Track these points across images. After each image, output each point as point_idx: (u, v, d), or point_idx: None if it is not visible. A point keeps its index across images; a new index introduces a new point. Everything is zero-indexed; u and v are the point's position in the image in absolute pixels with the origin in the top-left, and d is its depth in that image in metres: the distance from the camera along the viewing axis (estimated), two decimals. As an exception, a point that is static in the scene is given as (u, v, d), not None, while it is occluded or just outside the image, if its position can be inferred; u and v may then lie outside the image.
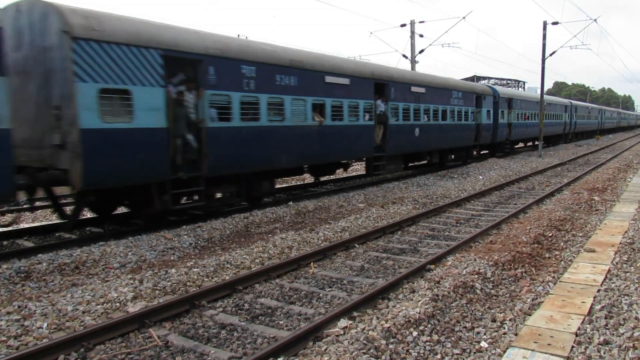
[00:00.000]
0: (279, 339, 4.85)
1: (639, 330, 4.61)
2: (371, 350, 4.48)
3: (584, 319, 4.96)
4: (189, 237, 9.23)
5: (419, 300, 5.68)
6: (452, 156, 22.34)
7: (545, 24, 27.94)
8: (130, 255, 8.04)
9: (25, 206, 11.06)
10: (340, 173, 18.65)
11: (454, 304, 5.66)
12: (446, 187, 15.93)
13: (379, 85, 15.72)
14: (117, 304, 5.87)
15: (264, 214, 11.29)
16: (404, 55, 27.93)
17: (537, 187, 16.04)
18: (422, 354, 4.57)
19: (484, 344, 4.80)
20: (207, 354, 4.77)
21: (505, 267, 7.06)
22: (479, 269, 6.79)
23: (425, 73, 22.04)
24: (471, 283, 6.29)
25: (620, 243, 7.89)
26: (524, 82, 55.93)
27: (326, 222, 10.56)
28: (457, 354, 4.62)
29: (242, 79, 10.81)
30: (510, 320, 5.35)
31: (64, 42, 7.91)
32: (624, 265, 6.82)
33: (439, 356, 4.57)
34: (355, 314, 5.53)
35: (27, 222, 11.64)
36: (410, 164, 20.13)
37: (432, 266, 7.22)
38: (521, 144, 32.89)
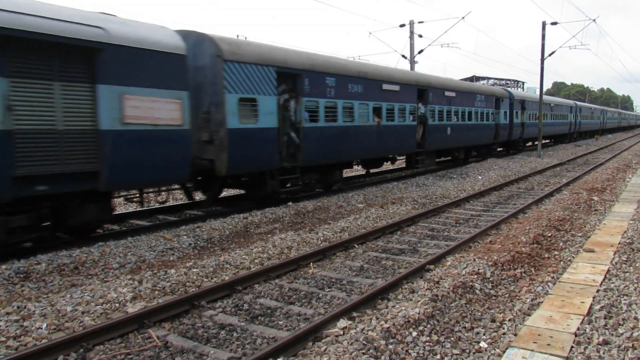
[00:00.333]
0: (278, 339, 4.85)
1: (638, 330, 4.62)
2: (371, 351, 4.48)
3: (583, 319, 4.96)
4: (188, 238, 9.22)
5: (419, 301, 5.68)
6: (474, 153, 25.18)
7: (544, 24, 27.97)
8: (129, 256, 8.04)
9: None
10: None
11: (453, 304, 5.66)
12: (445, 187, 15.93)
13: (420, 90, 18.45)
14: (117, 305, 5.87)
15: (263, 214, 11.29)
16: (403, 56, 27.96)
17: (536, 187, 16.05)
18: (421, 354, 4.57)
19: (483, 344, 4.80)
20: (206, 354, 4.77)
21: (505, 267, 7.06)
22: (479, 269, 6.80)
23: (455, 79, 25.82)
24: (470, 283, 6.29)
25: (619, 243, 7.90)
26: (523, 83, 56.00)
27: (325, 223, 10.56)
28: (456, 354, 4.62)
29: (326, 88, 13.47)
30: (509, 320, 5.35)
31: (217, 63, 10.50)
32: (623, 265, 6.82)
33: (438, 356, 4.57)
34: (354, 314, 5.53)
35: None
36: (437, 160, 22.49)
37: (432, 266, 7.23)
38: (530, 143, 35.35)
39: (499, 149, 28.35)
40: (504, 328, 5.18)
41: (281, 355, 4.54)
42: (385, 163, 18.93)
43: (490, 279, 6.56)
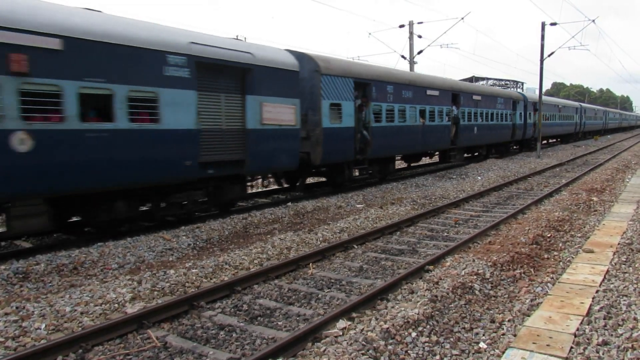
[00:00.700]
0: (277, 340, 4.85)
1: (637, 331, 4.62)
2: (370, 351, 4.48)
3: (582, 320, 4.96)
4: (187, 238, 9.22)
5: (418, 301, 5.68)
6: (493, 150, 28.10)
7: (543, 24, 27.99)
8: (128, 256, 8.03)
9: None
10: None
11: (452, 305, 5.66)
12: (445, 187, 15.94)
13: (454, 95, 21.49)
14: (116, 305, 5.86)
15: (263, 215, 11.29)
16: (403, 56, 27.98)
17: (535, 187, 16.05)
18: (421, 355, 4.57)
19: (482, 345, 4.80)
20: (205, 354, 4.76)
21: (504, 267, 7.06)
22: (478, 270, 6.80)
23: (480, 85, 30.46)
24: (470, 284, 6.29)
25: (618, 244, 7.90)
26: (523, 83, 55.86)
27: (325, 223, 10.56)
28: (456, 354, 4.62)
29: (387, 94, 16.51)
30: (509, 321, 5.35)
31: (315, 76, 13.50)
32: (623, 265, 6.82)
33: (437, 357, 4.56)
34: (354, 314, 5.52)
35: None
36: (465, 155, 25.28)
37: (431, 267, 7.22)
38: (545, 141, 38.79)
39: (514, 147, 31.42)
40: (503, 328, 5.18)
41: (280, 356, 4.54)
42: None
43: (490, 280, 6.56)
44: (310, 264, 7.65)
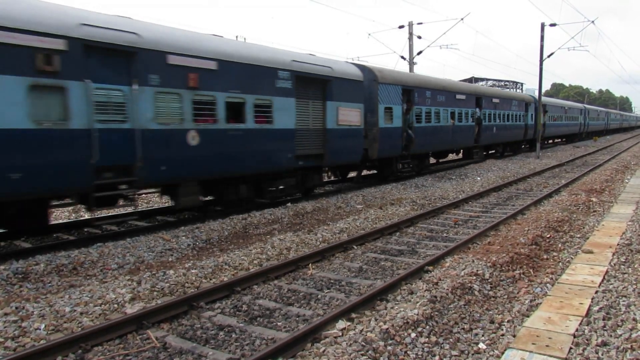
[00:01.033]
0: (277, 341, 4.85)
1: (636, 332, 4.62)
2: (369, 352, 4.48)
3: (582, 321, 4.97)
4: (187, 238, 9.22)
5: (417, 302, 5.68)
6: (508, 148, 30.94)
7: (542, 25, 28.01)
8: (128, 257, 8.03)
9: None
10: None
11: (452, 306, 5.66)
12: (444, 188, 15.95)
13: (477, 98, 24.25)
14: (115, 305, 5.86)
15: (262, 215, 11.29)
16: (402, 57, 27.97)
17: (535, 188, 16.06)
18: (420, 356, 4.57)
19: (482, 346, 4.80)
20: (205, 355, 4.76)
21: (503, 268, 7.07)
22: (477, 271, 6.80)
23: (499, 89, 33.91)
24: (469, 284, 6.29)
25: (618, 244, 7.90)
26: (522, 84, 55.85)
27: (324, 224, 10.56)
28: (455, 355, 4.62)
29: (425, 99, 19.30)
30: (508, 321, 5.35)
31: (374, 85, 16.07)
32: (622, 266, 6.83)
33: (437, 357, 4.57)
34: (353, 315, 5.53)
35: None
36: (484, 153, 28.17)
37: (431, 267, 7.22)
38: (550, 141, 42.33)
39: (525, 145, 34.15)
40: (502, 329, 5.18)
41: (280, 357, 4.54)
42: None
43: (489, 280, 6.56)
44: (310, 264, 7.66)
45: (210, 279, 6.94)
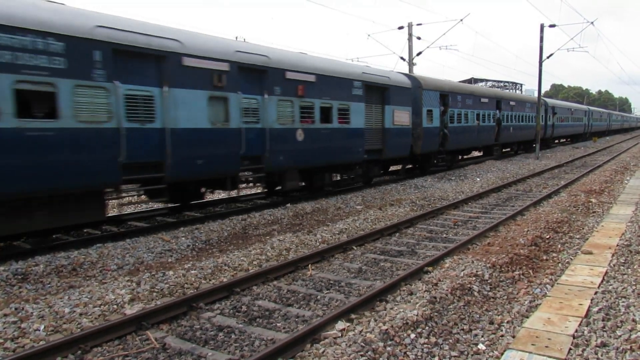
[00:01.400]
0: (276, 341, 4.85)
1: (636, 333, 4.62)
2: (369, 353, 4.48)
3: (581, 321, 4.97)
4: (186, 239, 9.22)
5: (417, 303, 5.68)
6: (521, 146, 34.07)
7: (542, 26, 28.04)
8: (127, 257, 8.02)
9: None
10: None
11: (451, 306, 5.67)
12: (444, 189, 15.95)
13: (497, 101, 27.36)
14: (115, 306, 5.86)
15: (262, 216, 11.29)
16: (402, 58, 27.98)
17: (534, 189, 16.07)
18: (419, 356, 4.57)
19: (481, 346, 4.80)
20: (204, 356, 4.76)
21: (503, 269, 7.07)
22: (477, 271, 6.80)
23: (516, 93, 38.95)
24: (469, 285, 6.29)
25: (617, 245, 7.91)
26: (521, 85, 55.93)
27: (324, 224, 10.56)
28: (454, 356, 4.62)
29: (457, 102, 22.22)
30: (507, 322, 5.35)
31: (419, 91, 18.92)
32: (621, 267, 6.83)
33: (436, 358, 4.57)
34: (353, 316, 5.53)
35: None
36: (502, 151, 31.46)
37: (430, 268, 7.23)
38: (557, 141, 45.11)
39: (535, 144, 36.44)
40: (502, 330, 5.18)
41: (279, 357, 4.54)
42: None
43: (489, 281, 6.57)
44: (309, 265, 7.66)
45: (210, 280, 6.94)
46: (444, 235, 9.75)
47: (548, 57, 30.38)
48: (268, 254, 8.15)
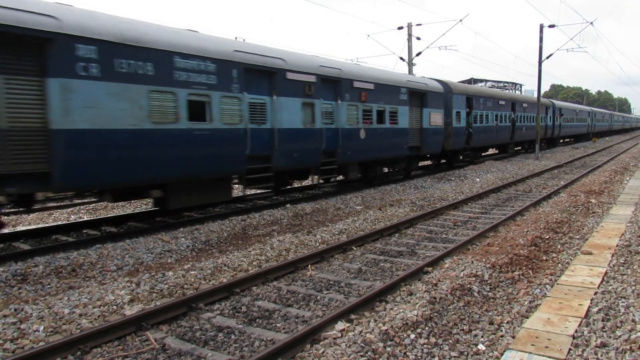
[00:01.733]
0: (276, 342, 4.84)
1: (635, 333, 4.62)
2: (369, 353, 4.47)
3: (581, 322, 4.97)
4: (186, 240, 9.21)
5: (417, 303, 5.68)
6: (532, 144, 35.72)
7: (541, 26, 28.05)
8: (127, 258, 8.02)
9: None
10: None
11: (451, 307, 5.66)
12: (443, 189, 15.95)
13: (512, 103, 30.53)
14: (114, 307, 5.86)
15: (262, 217, 11.29)
16: (401, 58, 27.99)
17: (534, 189, 16.07)
18: (419, 357, 4.57)
19: (481, 347, 4.80)
20: (204, 356, 4.76)
21: (503, 269, 7.07)
22: (477, 272, 6.80)
23: (527, 95, 43.14)
24: (468, 285, 6.29)
25: (617, 245, 7.91)
26: (521, 85, 55.91)
27: (324, 225, 10.56)
28: (454, 356, 4.62)
29: (479, 104, 24.86)
30: (507, 322, 5.35)
31: (449, 95, 21.53)
32: (621, 267, 6.83)
33: (436, 359, 4.56)
34: (352, 316, 5.52)
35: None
36: (517, 148, 35.35)
37: (430, 269, 7.22)
38: (562, 140, 47.80)
39: (544, 143, 39.90)
40: (502, 330, 5.18)
41: (279, 358, 4.54)
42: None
43: (488, 282, 6.57)
44: (309, 265, 7.65)
45: (210, 281, 6.93)
46: (444, 236, 9.74)
47: (547, 57, 30.40)
48: (268, 254, 8.14)
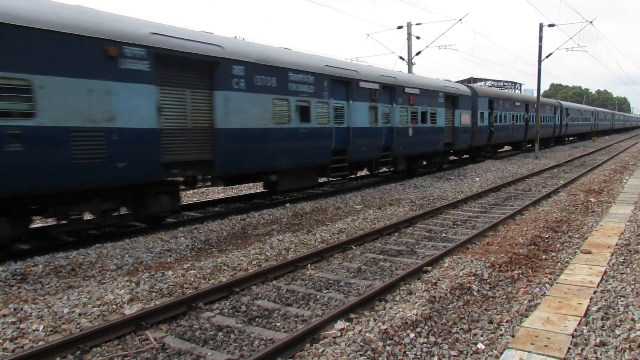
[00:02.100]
0: (276, 341, 4.84)
1: (635, 332, 4.63)
2: (368, 352, 4.48)
3: (580, 321, 4.97)
4: (185, 239, 9.21)
5: (416, 302, 5.68)
6: (542, 142, 38.04)
7: (541, 26, 28.04)
8: (126, 258, 8.02)
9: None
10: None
11: (450, 306, 5.67)
12: (443, 188, 15.95)
13: (526, 104, 33.19)
14: (114, 306, 5.85)
15: (261, 216, 11.28)
16: (401, 57, 27.98)
17: (533, 188, 16.08)
18: (419, 356, 4.57)
19: (480, 346, 4.81)
20: (204, 356, 4.76)
21: (502, 268, 7.07)
22: (476, 271, 6.80)
23: (545, 99, 44.82)
24: (468, 285, 6.30)
25: (616, 244, 7.92)
26: (521, 84, 55.89)
27: (323, 224, 10.56)
28: (454, 355, 4.63)
29: (499, 105, 27.59)
30: (507, 321, 5.36)
31: (475, 97, 24.48)
32: (620, 266, 6.84)
33: (436, 358, 4.57)
34: (352, 315, 5.53)
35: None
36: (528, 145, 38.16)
37: (429, 268, 7.23)
38: (570, 138, 51.01)
39: (552, 141, 43.69)
40: (501, 329, 5.18)
41: (279, 357, 4.54)
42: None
43: (488, 281, 6.57)
44: (309, 265, 7.66)
45: (209, 280, 6.93)
46: (443, 235, 9.75)
47: (547, 57, 30.41)
48: (267, 253, 8.15)
